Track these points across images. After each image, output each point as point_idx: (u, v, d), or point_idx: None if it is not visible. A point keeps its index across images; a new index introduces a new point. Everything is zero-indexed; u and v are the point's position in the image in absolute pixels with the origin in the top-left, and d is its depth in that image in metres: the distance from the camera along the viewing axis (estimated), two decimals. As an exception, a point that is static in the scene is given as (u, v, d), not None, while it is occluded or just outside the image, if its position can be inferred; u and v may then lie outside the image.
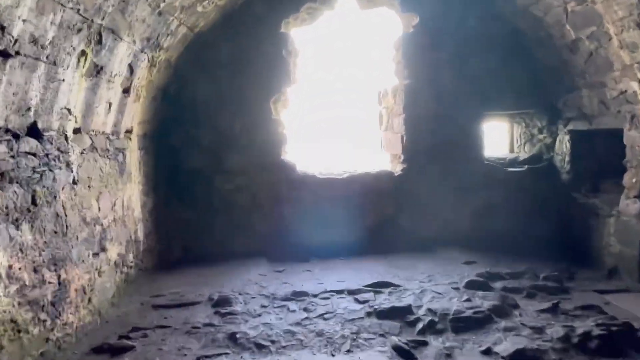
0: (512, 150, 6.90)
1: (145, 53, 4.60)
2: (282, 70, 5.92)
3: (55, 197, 3.45)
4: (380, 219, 6.06)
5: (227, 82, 5.85)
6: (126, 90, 4.53)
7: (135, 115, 4.96)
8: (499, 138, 7.01)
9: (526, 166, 6.28)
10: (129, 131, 4.89)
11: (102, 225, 4.24)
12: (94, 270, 4.06)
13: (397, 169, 6.29)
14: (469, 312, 3.89)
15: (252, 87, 5.86)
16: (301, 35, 6.37)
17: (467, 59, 6.02)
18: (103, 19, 3.54)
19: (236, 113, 5.88)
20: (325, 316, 4.02)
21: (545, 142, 6.36)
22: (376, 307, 4.10)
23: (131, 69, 4.47)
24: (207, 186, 5.89)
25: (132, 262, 4.93)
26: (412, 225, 6.06)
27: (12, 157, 2.98)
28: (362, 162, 7.85)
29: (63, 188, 3.57)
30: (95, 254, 4.10)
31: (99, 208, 4.18)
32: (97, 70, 3.83)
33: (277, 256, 5.69)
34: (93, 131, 4.10)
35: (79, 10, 3.20)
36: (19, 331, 3.03)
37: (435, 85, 6.01)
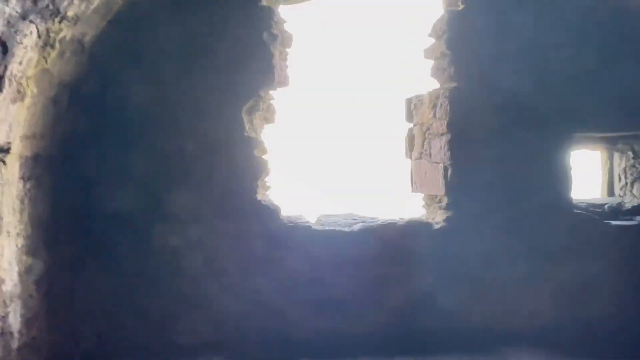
0: (610, 193, 6.29)
1: (31, 22, 3.81)
2: (263, 64, 5.30)
3: None
4: (411, 297, 5.40)
5: (176, 81, 5.25)
6: (-5, 83, 3.73)
7: (15, 124, 4.17)
8: (589, 173, 6.58)
9: (639, 218, 5.55)
10: (1, 150, 4.11)
11: None
12: None
13: (437, 218, 5.58)
14: None
15: (215, 88, 5.26)
16: (295, 16, 5.88)
17: (548, 52, 5.38)
18: None
19: (189, 128, 5.27)
20: None
21: (667, 182, 5.74)
22: None
23: (4, 46, 3.67)
24: (139, 240, 5.27)
25: (-8, 370, 4.03)
26: (461, 309, 5.35)
27: None
28: (381, 208, 7.21)
29: None
30: None
31: None
32: None
33: (245, 354, 5.13)
34: None
35: None
36: None
37: (497, 91, 5.38)
